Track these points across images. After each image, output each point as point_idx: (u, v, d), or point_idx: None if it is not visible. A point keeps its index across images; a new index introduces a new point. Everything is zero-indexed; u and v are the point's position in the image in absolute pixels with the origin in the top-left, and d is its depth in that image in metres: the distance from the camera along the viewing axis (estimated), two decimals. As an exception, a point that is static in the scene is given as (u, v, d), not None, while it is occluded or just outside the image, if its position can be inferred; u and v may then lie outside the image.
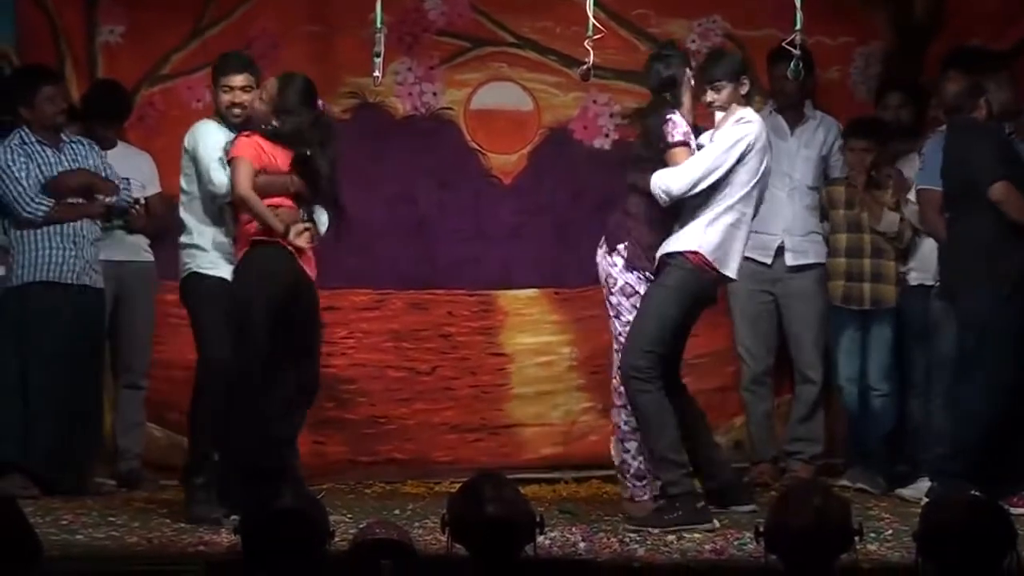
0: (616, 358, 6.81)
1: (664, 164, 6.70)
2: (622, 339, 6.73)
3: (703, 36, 8.23)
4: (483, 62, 8.31)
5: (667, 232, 6.76)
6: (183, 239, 6.93)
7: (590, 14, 6.31)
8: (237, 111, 6.90)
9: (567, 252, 8.15)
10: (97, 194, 7.54)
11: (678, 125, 6.73)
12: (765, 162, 6.76)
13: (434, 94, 8.28)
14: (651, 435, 6.62)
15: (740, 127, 6.70)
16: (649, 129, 6.81)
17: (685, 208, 6.73)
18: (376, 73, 6.55)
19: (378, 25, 6.42)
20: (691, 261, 6.64)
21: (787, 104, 7.98)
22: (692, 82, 6.80)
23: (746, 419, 8.07)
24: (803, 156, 7.96)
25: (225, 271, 6.83)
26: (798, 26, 6.35)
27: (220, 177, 6.78)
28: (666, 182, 6.64)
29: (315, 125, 6.84)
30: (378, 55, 6.43)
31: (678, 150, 6.71)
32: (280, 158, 6.78)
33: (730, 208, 6.68)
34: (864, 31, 8.34)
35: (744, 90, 6.79)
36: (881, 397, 7.78)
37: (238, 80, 6.92)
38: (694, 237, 6.66)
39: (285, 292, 6.73)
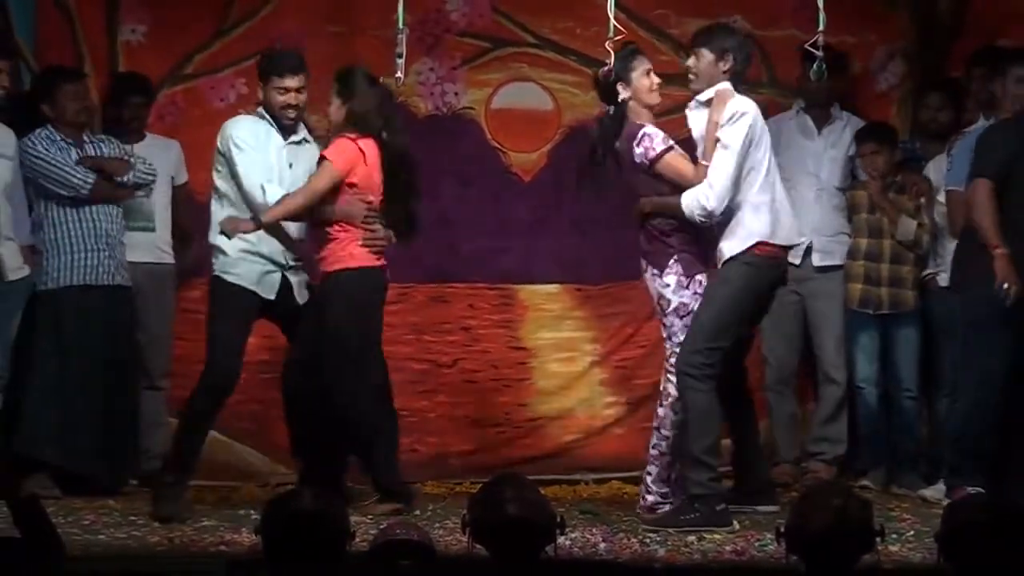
0: (663, 381, 6.80)
1: (658, 178, 6.71)
2: (673, 360, 6.71)
3: (723, 36, 8.21)
4: (504, 63, 8.32)
5: (703, 228, 6.74)
6: (211, 237, 7.00)
7: (611, 15, 6.31)
8: (292, 113, 6.94)
9: (587, 249, 8.16)
10: (113, 175, 7.55)
11: (654, 136, 6.74)
12: (767, 137, 6.76)
13: (456, 94, 8.30)
14: (692, 434, 6.61)
15: (739, 125, 6.63)
16: (619, 153, 6.82)
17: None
18: (398, 74, 6.57)
19: (400, 26, 6.43)
20: (755, 254, 6.65)
21: (814, 104, 7.97)
22: (646, 68, 6.80)
23: (769, 420, 8.05)
24: (830, 156, 7.94)
25: (248, 277, 6.88)
26: (821, 27, 6.33)
27: (258, 198, 6.84)
28: (699, 203, 6.60)
29: (381, 107, 6.95)
30: (400, 56, 6.44)
31: (668, 156, 6.73)
32: (372, 153, 6.88)
33: (762, 189, 6.67)
34: (886, 30, 8.31)
35: (725, 67, 6.73)
36: (912, 399, 7.76)
37: (294, 82, 6.93)
38: (747, 231, 6.65)
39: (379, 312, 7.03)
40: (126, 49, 8.20)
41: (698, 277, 6.72)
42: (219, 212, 6.95)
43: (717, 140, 6.64)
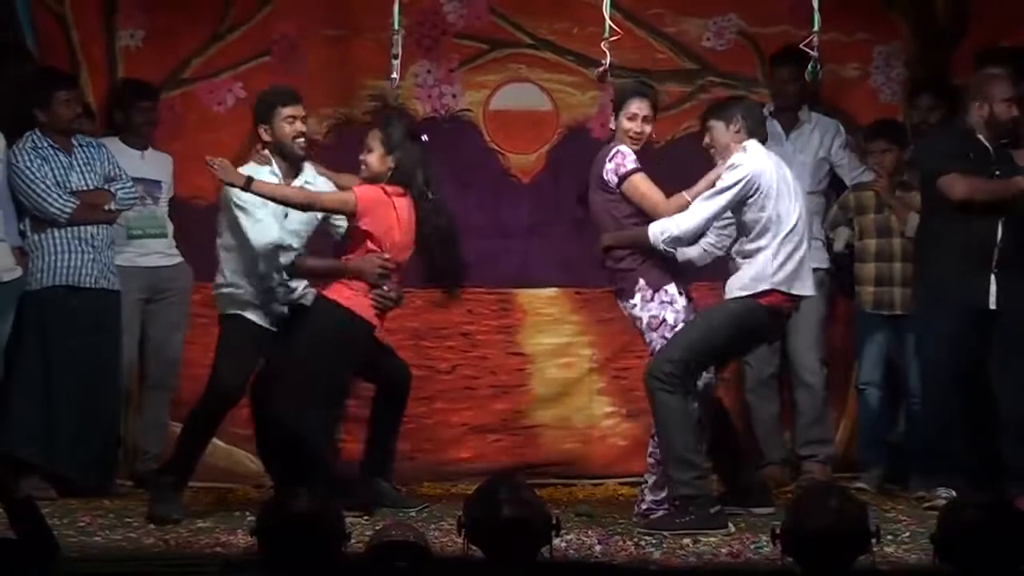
0: None
1: (620, 199, 6.75)
2: None
3: (718, 34, 8.23)
4: (501, 64, 8.30)
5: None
6: None
7: (607, 15, 6.31)
8: (303, 141, 6.87)
9: (586, 251, 8.12)
10: (100, 205, 7.56)
11: (627, 155, 6.80)
12: (794, 187, 6.77)
13: (453, 96, 8.29)
14: (668, 435, 6.61)
15: (731, 173, 6.67)
16: (591, 172, 6.89)
17: (742, 250, 6.77)
18: (393, 75, 6.56)
19: (396, 27, 6.43)
20: (767, 301, 6.66)
21: (784, 107, 7.97)
22: (632, 112, 6.83)
23: (751, 422, 8.01)
24: (798, 161, 7.87)
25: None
26: (816, 27, 6.32)
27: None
28: (669, 230, 6.66)
29: (423, 162, 6.90)
30: (396, 56, 6.44)
31: (636, 177, 6.78)
32: (404, 211, 6.85)
33: (786, 238, 6.68)
34: (882, 29, 8.30)
35: (736, 129, 6.75)
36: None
37: (300, 110, 6.86)
38: (764, 275, 6.67)
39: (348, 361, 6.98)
40: (124, 54, 8.18)
41: (664, 287, 6.75)
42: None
43: (714, 183, 6.71)
